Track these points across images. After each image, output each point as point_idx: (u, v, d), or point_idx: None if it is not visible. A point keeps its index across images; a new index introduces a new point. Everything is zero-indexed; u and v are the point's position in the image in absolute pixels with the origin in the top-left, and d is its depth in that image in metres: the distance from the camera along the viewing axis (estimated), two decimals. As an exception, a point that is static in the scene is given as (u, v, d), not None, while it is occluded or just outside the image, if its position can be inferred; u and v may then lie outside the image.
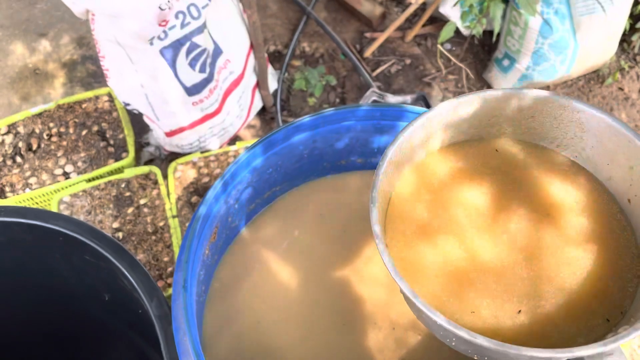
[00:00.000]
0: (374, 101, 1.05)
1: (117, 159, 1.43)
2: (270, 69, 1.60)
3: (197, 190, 1.40)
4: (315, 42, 1.83)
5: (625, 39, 1.73)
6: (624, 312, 0.42)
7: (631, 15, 1.61)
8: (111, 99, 1.53)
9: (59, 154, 1.44)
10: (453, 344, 0.45)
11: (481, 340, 0.38)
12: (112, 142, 1.46)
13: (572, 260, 0.46)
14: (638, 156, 0.48)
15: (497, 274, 0.46)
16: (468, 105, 0.53)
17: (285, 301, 0.76)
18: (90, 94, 1.54)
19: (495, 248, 0.47)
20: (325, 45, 1.82)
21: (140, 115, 1.51)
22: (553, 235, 0.48)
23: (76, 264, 0.74)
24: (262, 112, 1.68)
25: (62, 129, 1.48)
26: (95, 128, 1.48)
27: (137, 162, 1.56)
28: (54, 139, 1.46)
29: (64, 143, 1.45)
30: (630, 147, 0.49)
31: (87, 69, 1.78)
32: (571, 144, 0.54)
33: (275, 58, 1.80)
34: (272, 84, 1.63)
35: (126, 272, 0.63)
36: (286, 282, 0.78)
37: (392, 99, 1.02)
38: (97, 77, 1.75)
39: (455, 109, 0.53)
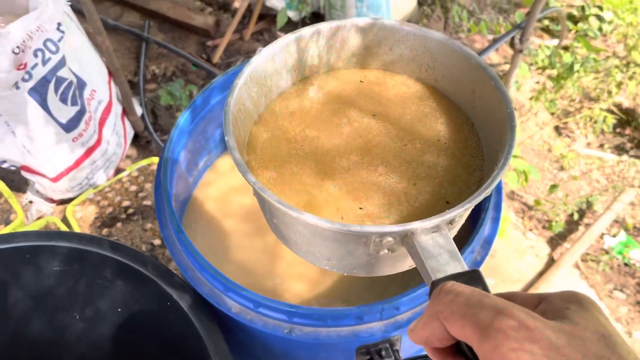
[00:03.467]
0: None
1: (7, 223, 1.37)
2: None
3: (105, 222, 1.39)
4: (162, 63, 1.89)
5: (419, -8, 2.07)
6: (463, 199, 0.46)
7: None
8: (-25, 169, 1.45)
9: (-63, 239, 1.32)
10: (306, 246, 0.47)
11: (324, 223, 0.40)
12: (-7, 209, 1.39)
13: (428, 160, 0.51)
14: (477, 79, 0.51)
15: (351, 175, 0.49)
16: (329, 34, 0.55)
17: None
18: (-52, 172, 1.44)
19: (349, 157, 0.50)
20: (174, 63, 1.89)
21: (13, 174, 1.46)
22: (412, 138, 0.53)
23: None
24: (136, 139, 1.70)
25: None
26: (-32, 202, 1.39)
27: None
28: None
29: (-61, 227, 1.34)
30: (471, 70, 0.52)
31: None
32: (427, 76, 0.57)
33: (130, 87, 1.82)
34: (137, 110, 1.66)
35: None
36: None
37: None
38: (-57, 159, 1.62)
39: (318, 34, 0.55)
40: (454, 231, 0.47)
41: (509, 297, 0.33)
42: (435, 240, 0.39)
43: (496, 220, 0.67)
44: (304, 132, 0.53)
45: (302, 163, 0.50)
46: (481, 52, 1.48)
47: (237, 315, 0.63)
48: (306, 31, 0.54)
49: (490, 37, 2.20)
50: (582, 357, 0.27)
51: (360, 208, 0.47)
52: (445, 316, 0.31)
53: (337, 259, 0.47)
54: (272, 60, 0.54)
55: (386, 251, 0.42)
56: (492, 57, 2.13)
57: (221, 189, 0.92)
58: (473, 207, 0.42)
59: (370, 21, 0.55)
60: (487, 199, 0.67)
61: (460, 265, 0.38)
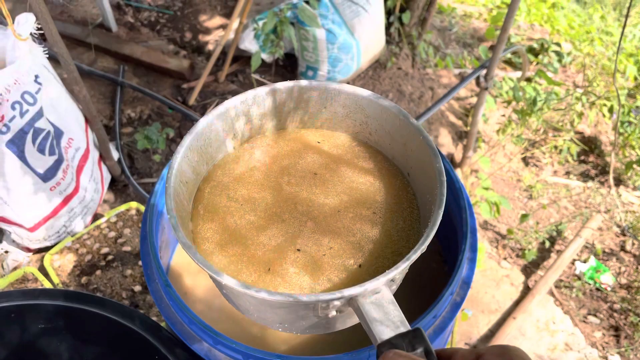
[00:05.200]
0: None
1: (-18, 274, 1.35)
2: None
3: (84, 270, 1.38)
4: (138, 106, 1.91)
5: (386, 32, 2.15)
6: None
7: (387, 12, 2.03)
8: (-52, 221, 1.43)
9: None
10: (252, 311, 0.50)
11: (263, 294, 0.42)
12: (-32, 261, 1.36)
13: (364, 225, 0.52)
14: (407, 132, 0.54)
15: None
16: (264, 98, 0.58)
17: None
18: None
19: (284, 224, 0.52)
20: (149, 106, 1.91)
21: (-11, 224, 1.44)
22: (348, 202, 0.54)
23: None
24: (113, 183, 1.70)
25: None
26: (-59, 255, 1.36)
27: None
28: None
29: None
30: (401, 125, 0.54)
31: None
32: (362, 130, 0.59)
33: (106, 132, 1.83)
34: (114, 154, 1.67)
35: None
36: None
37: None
38: None
39: (254, 99, 0.57)
40: (395, 287, 0.48)
41: (453, 353, 0.38)
42: (378, 302, 0.41)
43: (473, 260, 0.70)
44: (247, 195, 0.55)
45: (245, 228, 0.51)
46: (450, 91, 1.55)
47: (227, 367, 0.64)
48: (241, 98, 0.57)
49: (457, 71, 2.28)
50: None
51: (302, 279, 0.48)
52: None
53: (289, 323, 0.48)
54: (209, 129, 0.55)
55: (335, 313, 0.44)
56: (460, 91, 2.21)
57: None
58: (449, 250, 0.46)
59: (304, 83, 0.58)
60: (463, 241, 0.70)
61: (403, 324, 0.40)
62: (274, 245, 0.51)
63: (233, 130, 0.58)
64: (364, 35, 1.87)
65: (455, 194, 0.75)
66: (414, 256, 0.43)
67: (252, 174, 0.57)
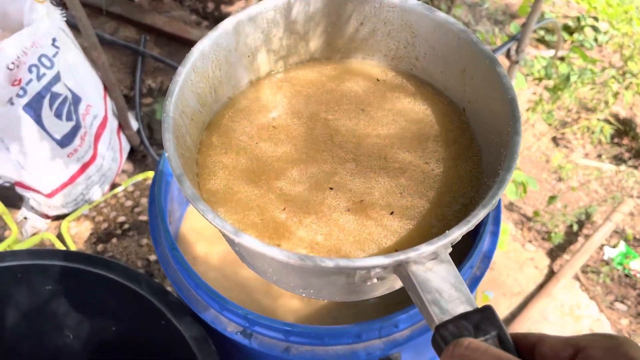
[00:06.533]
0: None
1: (1, 239, 1.36)
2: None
3: (100, 238, 1.38)
4: (158, 77, 1.89)
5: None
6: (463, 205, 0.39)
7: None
8: (-31, 185, 1.44)
9: None
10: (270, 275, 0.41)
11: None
12: (-13, 226, 1.37)
13: (412, 175, 0.43)
14: (468, 56, 0.43)
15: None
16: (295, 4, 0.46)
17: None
18: (-59, 188, 1.42)
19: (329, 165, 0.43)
20: (170, 77, 1.89)
21: (8, 190, 1.44)
22: (397, 139, 0.45)
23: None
24: (132, 154, 1.69)
25: None
26: (-38, 219, 1.38)
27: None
28: None
29: None
30: (461, 46, 0.43)
31: None
32: (405, 54, 0.48)
33: (126, 101, 1.82)
34: (133, 124, 1.65)
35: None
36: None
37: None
38: (-62, 175, 1.61)
39: (269, 12, 0.46)
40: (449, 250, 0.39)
41: (537, 341, 0.29)
42: (435, 270, 0.32)
43: (495, 234, 0.66)
44: (268, 144, 0.44)
45: (265, 183, 0.42)
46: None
47: (232, 334, 0.62)
48: (261, 7, 0.44)
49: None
50: None
51: (334, 236, 0.39)
52: None
53: (314, 289, 0.40)
54: (217, 45, 0.44)
55: (375, 281, 0.35)
56: (488, 68, 2.13)
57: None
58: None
59: None
60: (490, 215, 0.66)
61: (468, 301, 0.31)
62: (303, 188, 0.41)
63: (246, 52, 0.45)
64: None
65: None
66: (482, 212, 0.34)
67: (279, 105, 0.47)
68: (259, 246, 0.34)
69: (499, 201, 0.68)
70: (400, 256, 0.32)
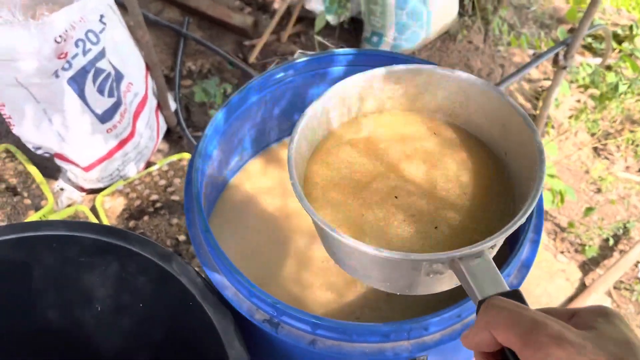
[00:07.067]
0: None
1: (37, 208, 1.39)
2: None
3: (132, 214, 1.40)
4: (199, 60, 1.90)
5: (460, 3, 2.04)
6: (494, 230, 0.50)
7: (461, -19, 1.91)
8: (11, 153, 1.48)
9: (-30, 220, 1.35)
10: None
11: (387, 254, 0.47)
12: (25, 194, 1.41)
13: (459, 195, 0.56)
14: (506, 113, 0.56)
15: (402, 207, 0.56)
16: (375, 78, 0.61)
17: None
18: (-16, 154, 1.47)
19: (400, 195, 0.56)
20: (210, 60, 1.90)
21: (47, 160, 1.48)
22: (449, 175, 0.58)
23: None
24: (168, 134, 1.71)
25: (-35, 196, 1.39)
26: (2, 186, 1.41)
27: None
28: (-40, 207, 1.37)
29: (-28, 208, 1.37)
30: (500, 106, 0.56)
31: (-33, 135, 1.68)
32: (460, 112, 0.61)
33: (166, 82, 1.83)
34: (172, 105, 1.67)
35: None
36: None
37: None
38: (-18, 142, 1.66)
39: (368, 81, 0.61)
40: (493, 254, 0.51)
41: (545, 311, 0.38)
42: (479, 264, 0.44)
43: (536, 242, 0.64)
44: (353, 165, 0.59)
45: (352, 194, 0.56)
46: (523, 67, 1.44)
47: (259, 322, 0.61)
48: (360, 78, 0.60)
49: (530, 51, 2.15)
50: (605, 358, 0.33)
51: (402, 236, 0.53)
52: (493, 327, 0.37)
53: (391, 282, 0.53)
54: (323, 111, 0.59)
55: (438, 274, 0.48)
56: (532, 72, 2.08)
57: (251, 191, 0.90)
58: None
59: (416, 67, 0.61)
60: (527, 220, 0.64)
61: (502, 286, 0.43)
62: (379, 198, 0.55)
63: (341, 108, 0.61)
64: (436, 3, 1.77)
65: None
66: (516, 224, 0.47)
67: (360, 149, 0.61)
68: (357, 244, 0.47)
69: (542, 209, 0.66)
70: (456, 253, 0.45)
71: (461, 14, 2.05)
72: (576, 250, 1.57)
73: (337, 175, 0.58)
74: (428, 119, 0.63)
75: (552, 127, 1.88)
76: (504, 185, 0.57)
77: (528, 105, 1.95)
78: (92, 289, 0.79)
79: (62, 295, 0.81)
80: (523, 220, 0.47)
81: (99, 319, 0.83)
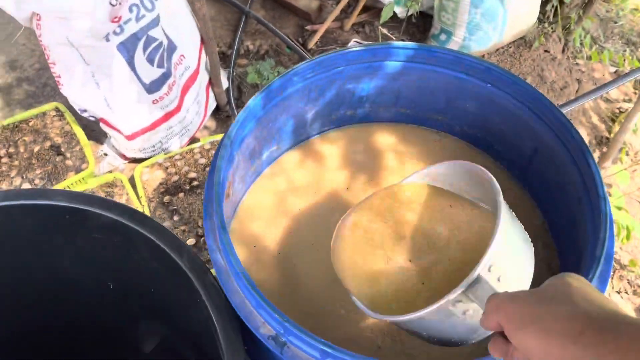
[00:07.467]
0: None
1: (77, 171, 1.38)
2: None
3: (168, 189, 1.36)
4: (258, 40, 1.85)
5: (541, 8, 1.88)
6: None
7: (545, -16, 1.76)
8: (60, 112, 1.48)
9: (12, 174, 1.36)
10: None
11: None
12: (68, 155, 1.40)
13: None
14: (489, 190, 0.63)
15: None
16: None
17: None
18: (35, 111, 1.47)
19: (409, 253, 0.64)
20: (269, 42, 1.84)
21: (94, 124, 1.47)
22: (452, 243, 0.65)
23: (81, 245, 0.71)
24: (217, 112, 1.67)
25: (12, 150, 1.40)
26: (47, 144, 1.41)
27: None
28: (4, 160, 1.38)
29: (16, 163, 1.38)
30: (484, 183, 0.64)
31: (24, 90, 1.70)
32: (488, 200, 0.66)
33: (221, 59, 1.79)
34: (224, 82, 1.63)
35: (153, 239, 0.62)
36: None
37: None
38: (36, 98, 1.68)
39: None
40: (500, 280, 0.53)
41: None
42: (479, 288, 0.51)
43: (600, 291, 0.55)
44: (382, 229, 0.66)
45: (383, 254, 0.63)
46: (603, 85, 1.30)
47: (264, 337, 0.55)
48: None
49: (612, 69, 1.97)
50: (542, 301, 0.39)
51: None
52: (487, 313, 0.45)
53: (432, 333, 0.56)
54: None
55: (469, 312, 0.53)
56: (612, 92, 1.90)
57: (283, 186, 0.84)
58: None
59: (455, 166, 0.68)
60: (592, 266, 0.54)
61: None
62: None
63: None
64: (514, 5, 1.64)
65: (596, 204, 0.58)
66: (490, 249, 0.52)
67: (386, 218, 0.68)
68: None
69: (611, 255, 0.56)
70: (465, 281, 0.51)
71: (541, 20, 1.90)
72: (634, 292, 1.42)
73: (372, 241, 0.67)
74: (439, 191, 0.71)
75: (627, 154, 1.71)
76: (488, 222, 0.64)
77: (603, 126, 1.79)
78: (106, 266, 0.75)
79: (76, 269, 0.78)
80: (485, 263, 0.51)
81: (110, 296, 0.80)
